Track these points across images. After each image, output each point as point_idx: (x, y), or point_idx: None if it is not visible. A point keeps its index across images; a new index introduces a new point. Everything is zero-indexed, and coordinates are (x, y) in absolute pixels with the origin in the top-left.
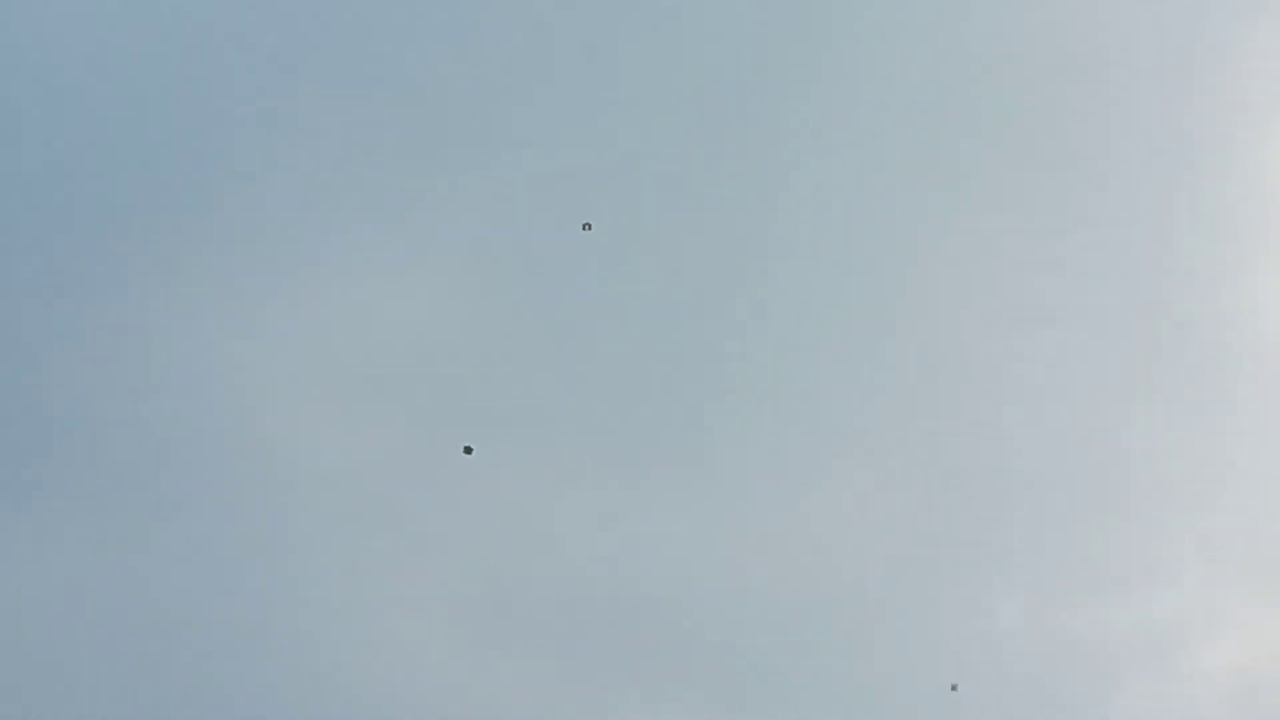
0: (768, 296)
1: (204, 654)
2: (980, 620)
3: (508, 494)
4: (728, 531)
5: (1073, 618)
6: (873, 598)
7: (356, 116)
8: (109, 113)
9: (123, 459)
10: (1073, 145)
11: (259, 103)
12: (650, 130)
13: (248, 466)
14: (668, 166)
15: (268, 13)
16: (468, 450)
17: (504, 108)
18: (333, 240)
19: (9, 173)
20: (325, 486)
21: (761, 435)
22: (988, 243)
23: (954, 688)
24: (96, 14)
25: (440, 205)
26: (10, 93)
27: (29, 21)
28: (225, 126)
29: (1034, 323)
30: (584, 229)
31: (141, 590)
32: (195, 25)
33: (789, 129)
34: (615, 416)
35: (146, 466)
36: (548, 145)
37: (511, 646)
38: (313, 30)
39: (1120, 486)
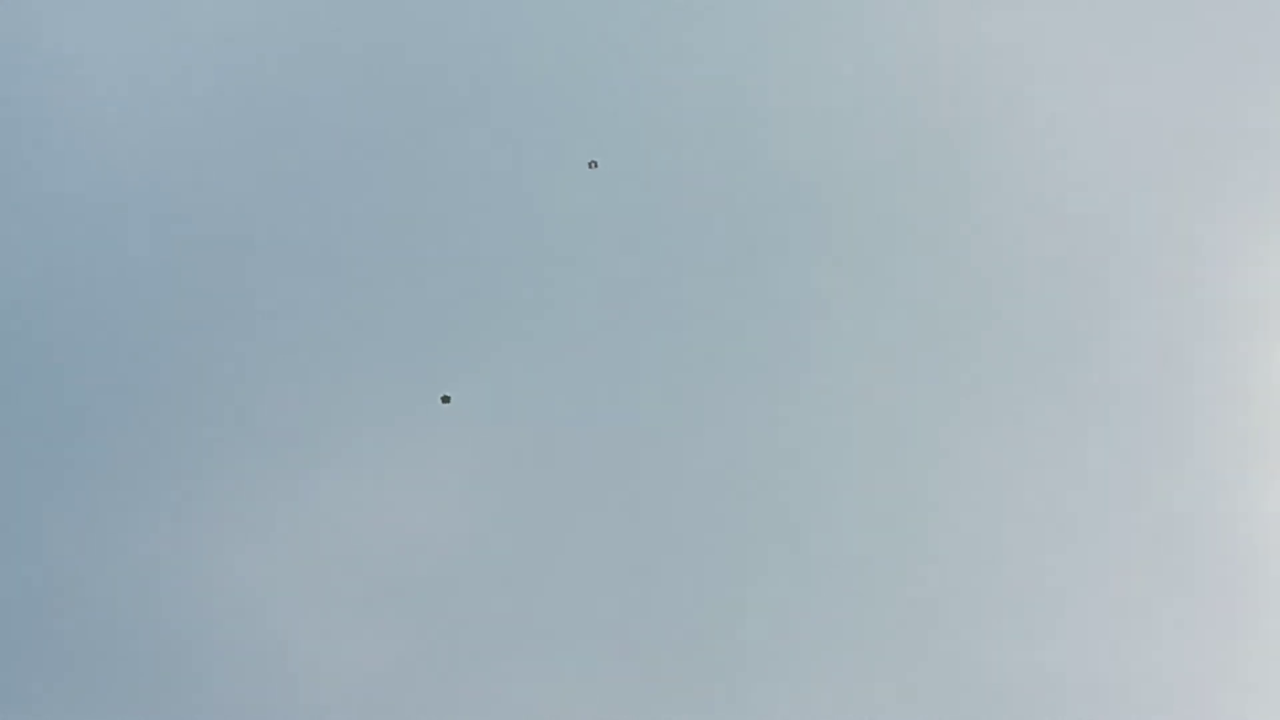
0: (775, 528)
1: None
2: None
3: (527, 707)
4: None
5: None
6: None
7: (361, 316)
8: (106, 315)
9: (129, 674)
10: (1094, 371)
11: (256, 304)
12: (671, 325)
13: (254, 676)
14: (687, 363)
15: (278, 209)
16: (445, 399)
17: (514, 308)
18: (338, 444)
19: (16, 377)
20: (336, 698)
21: (783, 658)
22: (1004, 464)
23: None
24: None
25: (453, 407)
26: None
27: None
28: (226, 328)
29: (1050, 545)
30: (590, 166)
31: None
32: (207, 222)
33: (801, 350)
34: (638, 626)
35: (154, 681)
36: (560, 345)
37: None
38: (313, 223)
39: (1137, 711)
